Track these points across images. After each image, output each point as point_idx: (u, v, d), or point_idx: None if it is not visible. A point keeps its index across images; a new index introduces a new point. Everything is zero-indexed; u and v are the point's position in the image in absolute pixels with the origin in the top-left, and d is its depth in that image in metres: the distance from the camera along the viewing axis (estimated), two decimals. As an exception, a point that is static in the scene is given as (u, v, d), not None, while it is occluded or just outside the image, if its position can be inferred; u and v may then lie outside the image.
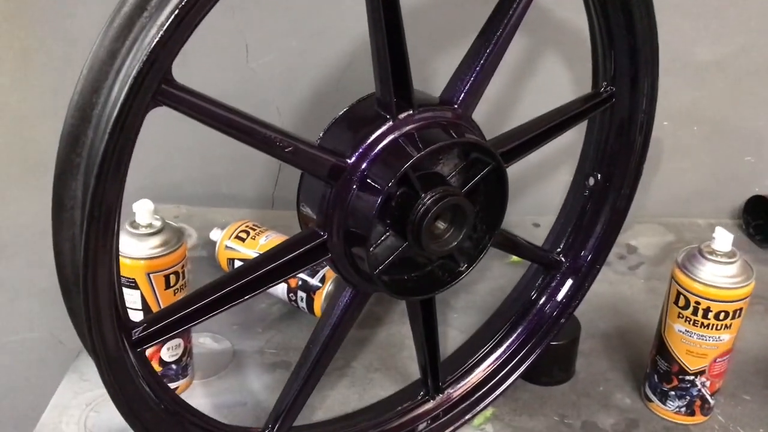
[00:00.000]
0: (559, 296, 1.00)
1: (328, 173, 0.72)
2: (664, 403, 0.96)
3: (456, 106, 0.77)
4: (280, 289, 1.10)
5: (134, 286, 0.88)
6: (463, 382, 0.97)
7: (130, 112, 0.56)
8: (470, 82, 0.77)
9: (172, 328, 0.70)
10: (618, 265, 1.30)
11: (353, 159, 0.72)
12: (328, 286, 1.07)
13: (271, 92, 1.31)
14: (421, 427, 0.94)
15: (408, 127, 0.73)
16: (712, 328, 0.89)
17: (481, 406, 0.95)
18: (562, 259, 1.00)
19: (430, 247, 0.76)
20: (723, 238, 0.89)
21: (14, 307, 1.42)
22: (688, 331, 0.90)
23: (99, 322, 0.63)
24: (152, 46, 0.55)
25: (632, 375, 1.03)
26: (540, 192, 1.41)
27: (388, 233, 0.76)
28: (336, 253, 0.75)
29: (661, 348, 0.94)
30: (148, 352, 0.91)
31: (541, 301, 1.00)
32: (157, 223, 0.89)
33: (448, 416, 0.95)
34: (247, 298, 0.73)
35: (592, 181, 0.98)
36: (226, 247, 1.17)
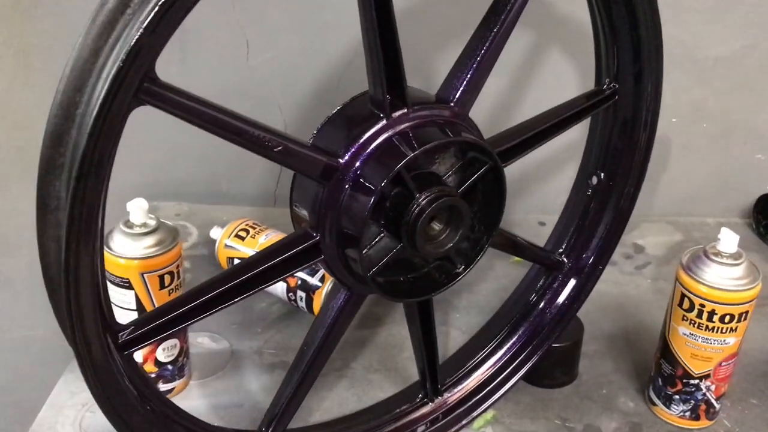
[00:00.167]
0: (561, 298, 0.98)
1: (320, 173, 0.70)
2: (668, 407, 0.94)
3: (452, 104, 0.75)
4: (280, 289, 1.09)
5: (128, 286, 0.87)
6: (462, 385, 0.95)
7: (110, 111, 0.55)
8: (467, 79, 0.75)
9: (160, 332, 0.68)
10: (624, 265, 1.28)
11: (346, 158, 0.70)
12: (328, 286, 1.05)
13: (272, 90, 1.30)
14: (419, 430, 0.92)
15: (402, 126, 0.71)
16: (717, 332, 0.87)
17: (480, 409, 0.94)
18: (564, 259, 0.98)
19: (425, 249, 0.74)
20: (728, 239, 0.87)
21: (17, 304, 1.42)
22: (692, 335, 0.89)
23: (82, 324, 0.62)
24: (133, 43, 0.54)
25: (637, 378, 1.02)
26: (546, 190, 1.39)
27: (382, 234, 0.75)
28: (329, 255, 0.74)
29: (665, 351, 0.92)
30: (143, 352, 0.90)
31: (543, 303, 0.98)
32: (152, 223, 0.88)
33: (448, 419, 0.93)
34: (238, 300, 0.71)
35: (595, 180, 0.96)
36: (226, 245, 1.16)
